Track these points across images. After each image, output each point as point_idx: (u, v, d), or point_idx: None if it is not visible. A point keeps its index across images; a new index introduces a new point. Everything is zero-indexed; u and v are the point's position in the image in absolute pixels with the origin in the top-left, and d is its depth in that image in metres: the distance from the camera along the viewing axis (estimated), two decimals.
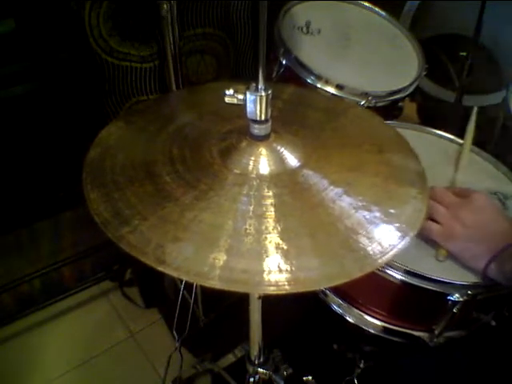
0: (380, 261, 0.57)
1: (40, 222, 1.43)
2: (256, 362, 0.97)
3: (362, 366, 1.14)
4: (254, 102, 0.62)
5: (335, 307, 0.93)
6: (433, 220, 0.84)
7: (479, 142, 1.06)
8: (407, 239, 0.60)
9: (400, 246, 0.59)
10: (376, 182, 0.67)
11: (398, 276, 0.81)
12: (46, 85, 1.23)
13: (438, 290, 0.79)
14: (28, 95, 1.22)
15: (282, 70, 1.14)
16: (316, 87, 1.10)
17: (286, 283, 0.53)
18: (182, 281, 1.26)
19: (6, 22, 1.13)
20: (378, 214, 0.62)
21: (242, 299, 0.82)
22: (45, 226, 1.45)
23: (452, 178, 0.98)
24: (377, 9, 1.35)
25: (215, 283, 0.53)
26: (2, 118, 1.19)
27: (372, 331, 0.91)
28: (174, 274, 0.54)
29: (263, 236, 0.57)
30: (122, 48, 1.19)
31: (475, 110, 1.09)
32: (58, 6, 1.14)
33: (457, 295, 0.79)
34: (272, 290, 0.53)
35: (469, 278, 0.81)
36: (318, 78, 1.10)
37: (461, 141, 1.07)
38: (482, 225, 0.81)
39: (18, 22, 1.14)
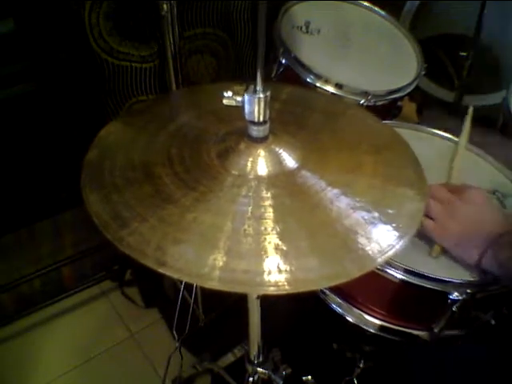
0: (379, 261, 0.57)
1: (40, 222, 1.43)
2: (255, 362, 0.97)
3: (361, 365, 1.14)
4: (253, 104, 0.62)
5: (335, 307, 0.94)
6: (427, 216, 0.84)
7: (479, 142, 1.06)
8: (406, 239, 0.60)
9: (398, 246, 0.59)
10: (374, 182, 0.67)
11: (398, 275, 0.81)
12: (46, 85, 1.23)
13: (437, 288, 0.80)
14: (28, 95, 1.22)
15: (281, 69, 1.14)
16: (315, 86, 1.10)
17: (286, 283, 0.53)
18: (181, 281, 1.26)
19: (5, 21, 1.13)
20: (376, 215, 0.62)
21: (242, 299, 0.82)
22: (45, 226, 1.46)
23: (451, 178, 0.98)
24: (376, 8, 1.35)
25: (215, 284, 0.53)
26: (2, 118, 1.19)
27: (372, 330, 0.91)
28: (175, 275, 0.54)
29: (262, 237, 0.57)
30: (122, 48, 1.19)
31: (470, 109, 1.09)
32: (58, 5, 1.14)
33: (456, 294, 0.79)
34: (272, 291, 0.53)
35: (468, 277, 0.81)
36: (318, 77, 1.10)
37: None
38: (475, 219, 0.82)
39: (18, 22, 1.14)
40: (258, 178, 0.64)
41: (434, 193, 0.86)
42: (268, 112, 0.64)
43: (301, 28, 1.21)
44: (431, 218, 0.84)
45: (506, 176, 1.01)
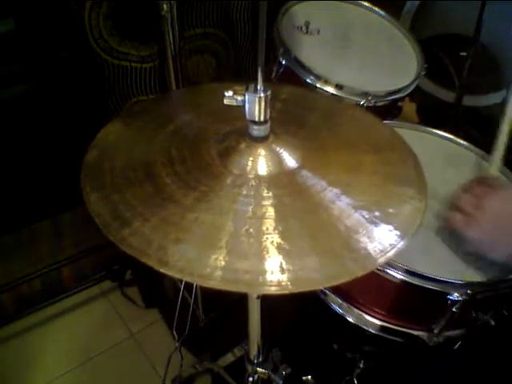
0: (381, 260, 0.57)
1: (40, 222, 1.43)
2: (255, 362, 0.97)
3: (361, 365, 1.14)
4: (253, 103, 0.62)
5: (335, 307, 0.94)
6: (457, 210, 0.82)
7: (479, 142, 1.06)
8: (407, 238, 0.60)
9: (400, 245, 0.59)
10: (374, 182, 0.67)
11: (398, 275, 0.81)
12: (46, 85, 1.23)
13: (437, 289, 0.80)
14: (28, 95, 1.22)
15: (281, 69, 1.14)
16: (315, 87, 1.10)
17: (289, 283, 0.53)
18: (182, 281, 1.26)
19: (5, 21, 1.13)
20: (377, 214, 0.62)
21: (242, 299, 0.82)
22: (45, 226, 1.45)
23: (450, 178, 0.98)
24: (376, 9, 1.35)
25: (218, 284, 0.53)
26: (2, 118, 1.19)
27: (372, 331, 0.91)
28: (177, 275, 0.54)
29: (264, 236, 0.57)
30: (122, 48, 1.19)
31: None
32: (58, 5, 1.14)
33: (456, 294, 0.79)
34: (274, 290, 0.53)
35: (468, 277, 0.81)
36: (318, 77, 1.10)
37: (460, 141, 1.07)
38: (506, 214, 0.80)
39: (18, 22, 1.14)
40: (259, 178, 0.64)
41: (466, 187, 0.85)
42: (269, 111, 0.64)
43: (301, 28, 1.21)
44: (460, 211, 0.82)
45: (506, 176, 1.01)
